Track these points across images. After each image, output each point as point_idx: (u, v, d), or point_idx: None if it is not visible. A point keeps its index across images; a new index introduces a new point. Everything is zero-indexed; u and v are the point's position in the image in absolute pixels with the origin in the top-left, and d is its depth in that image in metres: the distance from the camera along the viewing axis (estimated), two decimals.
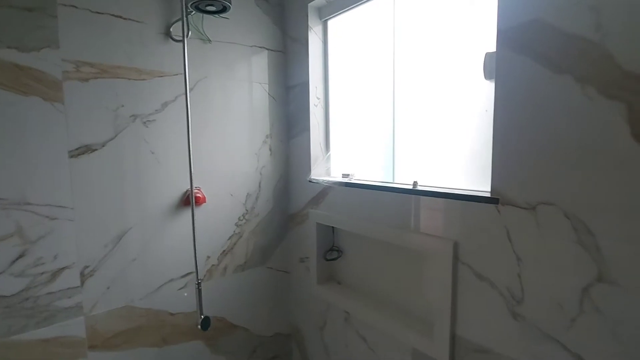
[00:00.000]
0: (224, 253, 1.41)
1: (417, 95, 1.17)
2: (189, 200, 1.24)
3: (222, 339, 1.43)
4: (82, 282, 1.10)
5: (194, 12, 1.19)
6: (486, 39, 0.92)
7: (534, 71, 0.77)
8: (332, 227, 1.41)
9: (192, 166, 1.21)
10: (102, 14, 1.08)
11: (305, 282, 1.53)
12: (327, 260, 1.43)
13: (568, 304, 0.76)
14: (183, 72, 1.17)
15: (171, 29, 1.21)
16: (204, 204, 1.32)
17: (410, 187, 1.07)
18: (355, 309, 1.28)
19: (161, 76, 1.20)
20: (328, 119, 1.46)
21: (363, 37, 1.33)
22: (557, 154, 0.75)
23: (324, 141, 1.47)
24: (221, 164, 1.37)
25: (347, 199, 1.27)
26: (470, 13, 0.99)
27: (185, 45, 1.16)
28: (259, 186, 1.48)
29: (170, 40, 1.21)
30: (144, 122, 1.18)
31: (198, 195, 1.29)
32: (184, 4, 1.14)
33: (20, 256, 1.00)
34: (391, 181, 1.24)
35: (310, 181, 1.43)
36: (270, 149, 1.50)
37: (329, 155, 1.47)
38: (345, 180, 1.29)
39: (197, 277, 1.22)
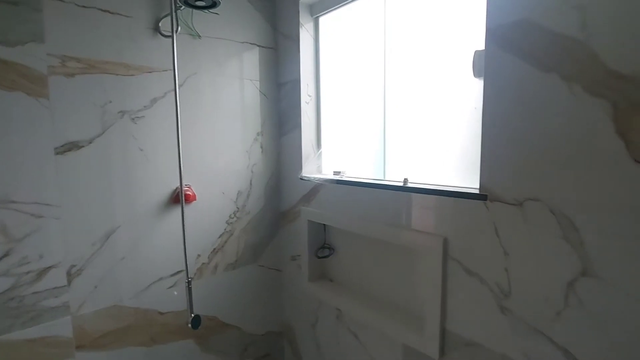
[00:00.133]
0: (215, 251, 1.40)
1: (407, 92, 1.17)
2: (178, 198, 1.23)
3: (213, 337, 1.43)
4: (69, 282, 1.08)
5: (183, 7, 1.17)
6: (476, 37, 0.93)
7: (522, 69, 0.78)
8: (324, 224, 1.41)
9: (181, 163, 1.19)
10: (89, 8, 1.06)
11: (296, 280, 1.53)
12: (319, 257, 1.43)
13: (554, 298, 0.78)
14: (172, 67, 1.15)
15: (160, 24, 1.19)
16: (194, 201, 1.31)
17: (401, 184, 1.08)
18: (346, 306, 1.29)
19: (150, 72, 1.19)
20: (319, 117, 1.46)
21: (354, 34, 1.33)
22: (544, 151, 0.77)
23: (315, 139, 1.47)
24: (212, 161, 1.36)
25: (339, 197, 1.27)
26: (460, 11, 1.00)
27: (175, 40, 1.15)
28: (250, 184, 1.48)
29: (159, 35, 1.19)
30: (133, 119, 1.16)
31: (188, 192, 1.28)
32: (173, 0, 1.12)
33: (5, 255, 0.98)
34: (382, 178, 1.24)
35: (301, 179, 1.43)
36: (261, 147, 1.50)
37: (320, 152, 1.47)
38: (337, 177, 1.29)
39: (187, 276, 1.21)
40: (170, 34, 1.16)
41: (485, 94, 0.85)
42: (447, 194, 0.95)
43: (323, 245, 1.44)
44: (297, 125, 1.44)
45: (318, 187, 1.36)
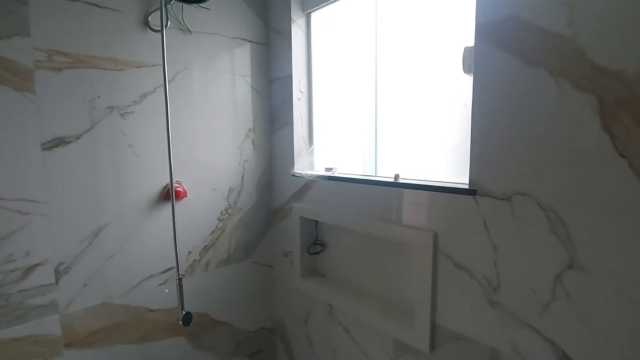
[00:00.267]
0: (206, 248, 1.39)
1: (399, 88, 1.18)
2: (169, 195, 1.22)
3: (205, 334, 1.42)
4: (57, 279, 1.07)
5: (173, 1, 1.16)
6: (466, 33, 0.93)
7: (511, 65, 0.79)
8: (316, 221, 1.41)
9: (172, 160, 1.18)
10: (76, 1, 1.04)
11: (289, 277, 1.53)
12: (311, 254, 1.43)
13: (541, 291, 0.79)
14: (162, 62, 1.14)
15: (149, 19, 1.17)
16: (185, 198, 1.30)
17: (392, 180, 1.08)
18: (338, 301, 1.29)
19: (139, 67, 1.17)
20: (311, 113, 1.46)
21: (346, 31, 1.33)
22: (532, 146, 0.78)
23: (307, 135, 1.47)
24: (203, 157, 1.35)
25: (330, 193, 1.27)
26: (451, 7, 1.01)
27: (164, 35, 1.13)
28: (242, 180, 1.47)
29: (149, 30, 1.18)
30: (122, 114, 1.15)
31: (178, 189, 1.27)
32: None
33: None
34: (373, 174, 1.25)
35: (293, 175, 1.42)
36: (253, 143, 1.49)
37: (312, 149, 1.47)
38: (328, 174, 1.29)
39: (178, 273, 1.20)
40: (159, 28, 1.15)
41: (475, 90, 0.86)
42: (437, 189, 0.96)
43: (315, 241, 1.44)
44: (289, 122, 1.43)
45: (310, 184, 1.36)
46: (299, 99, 1.44)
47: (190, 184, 1.32)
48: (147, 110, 1.19)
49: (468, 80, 0.92)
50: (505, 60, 0.80)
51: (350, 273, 1.33)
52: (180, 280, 1.20)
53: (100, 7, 1.08)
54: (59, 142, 1.05)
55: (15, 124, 0.97)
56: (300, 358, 1.55)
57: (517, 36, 0.78)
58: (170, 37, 1.20)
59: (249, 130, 1.47)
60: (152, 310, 1.27)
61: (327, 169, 1.33)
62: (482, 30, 0.83)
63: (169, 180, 1.20)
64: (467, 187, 0.89)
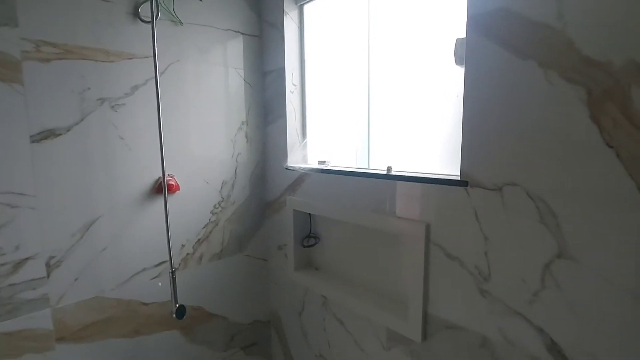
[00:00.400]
0: (200, 241, 1.39)
1: (391, 81, 1.18)
2: (161, 188, 1.21)
3: (198, 328, 1.42)
4: (48, 273, 1.06)
5: None
6: (458, 25, 0.94)
7: (501, 57, 0.80)
8: (309, 214, 1.42)
9: (163, 153, 1.17)
10: None
11: (283, 270, 1.53)
12: (305, 247, 1.44)
13: (531, 280, 0.81)
14: (152, 55, 1.12)
15: (140, 10, 1.16)
16: (178, 191, 1.29)
17: (384, 172, 1.09)
18: (332, 293, 1.30)
19: (130, 58, 1.16)
20: (304, 106, 1.46)
21: (338, 23, 1.32)
22: (522, 137, 0.79)
23: (301, 128, 1.47)
24: (195, 150, 1.34)
25: (324, 186, 1.27)
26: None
27: (155, 26, 1.12)
28: (235, 173, 1.46)
29: (139, 21, 1.16)
30: (113, 106, 1.13)
31: (171, 182, 1.26)
32: None
33: None
34: (366, 167, 1.25)
35: (287, 168, 1.42)
36: (246, 136, 1.48)
37: (306, 142, 1.47)
38: (322, 166, 1.30)
39: (172, 266, 1.20)
40: (150, 19, 1.13)
41: (466, 82, 0.86)
42: (429, 180, 0.97)
43: (309, 234, 1.44)
44: (282, 115, 1.43)
45: (303, 177, 1.36)
46: (292, 92, 1.43)
47: (183, 177, 1.31)
48: (139, 102, 1.18)
49: (460, 72, 0.92)
50: (496, 52, 0.81)
51: (344, 265, 1.34)
52: (173, 273, 1.20)
53: None
54: (48, 134, 1.03)
55: (2, 116, 0.96)
56: (295, 350, 1.56)
57: (507, 28, 0.79)
58: (161, 29, 1.19)
59: (242, 123, 1.47)
60: (145, 304, 1.26)
61: (320, 162, 1.33)
62: (474, 21, 0.84)
63: (161, 174, 1.19)
64: (458, 178, 0.90)
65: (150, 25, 1.13)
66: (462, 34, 0.88)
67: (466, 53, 0.86)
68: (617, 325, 0.71)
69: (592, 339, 0.74)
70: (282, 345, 1.63)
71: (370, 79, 1.24)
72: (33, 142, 1.01)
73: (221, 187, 1.42)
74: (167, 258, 1.22)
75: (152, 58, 1.14)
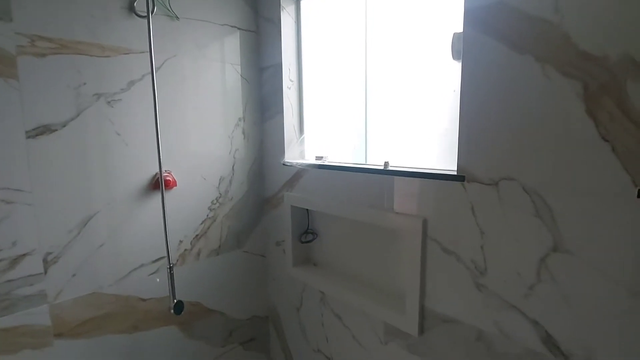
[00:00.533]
0: (197, 237, 1.38)
1: (389, 76, 1.18)
2: (158, 184, 1.21)
3: (197, 323, 1.42)
4: (45, 269, 1.06)
5: None
6: (455, 19, 0.94)
7: (498, 51, 0.80)
8: (307, 209, 1.42)
9: (160, 148, 1.17)
10: None
11: (281, 265, 1.54)
12: (302, 242, 1.44)
13: (526, 274, 0.81)
14: (149, 49, 1.12)
15: (135, 4, 1.15)
16: (175, 187, 1.29)
17: (382, 167, 1.09)
18: (330, 289, 1.31)
19: (127, 53, 1.15)
20: (302, 102, 1.46)
21: (335, 18, 1.32)
22: (519, 131, 0.79)
23: (298, 124, 1.47)
24: (193, 146, 1.34)
25: (321, 181, 1.28)
26: None
27: (151, 21, 1.11)
28: (233, 169, 1.46)
29: (135, 15, 1.15)
30: (109, 102, 1.13)
31: (168, 178, 1.26)
32: None
33: None
34: (364, 162, 1.25)
35: (284, 164, 1.42)
36: (243, 132, 1.48)
37: (303, 137, 1.47)
38: (319, 162, 1.30)
39: (169, 262, 1.20)
40: (145, 14, 1.12)
41: (464, 76, 0.86)
42: (426, 176, 0.97)
43: (307, 230, 1.44)
44: (280, 111, 1.43)
45: (301, 173, 1.36)
46: (289, 88, 1.43)
47: (180, 173, 1.31)
48: (135, 97, 1.18)
49: (457, 67, 0.92)
50: (493, 46, 0.81)
51: (342, 260, 1.34)
52: (171, 269, 1.20)
53: None
54: (44, 129, 1.03)
55: None
56: (293, 345, 1.57)
57: (505, 22, 0.79)
58: (157, 24, 1.18)
59: (239, 119, 1.46)
60: (143, 300, 1.26)
61: (318, 158, 1.33)
62: (471, 15, 0.84)
63: (158, 170, 1.19)
64: (455, 173, 0.91)
65: (146, 20, 1.12)
66: (459, 28, 0.87)
67: (463, 47, 0.86)
68: (612, 319, 0.71)
69: (588, 332, 0.75)
70: (281, 340, 1.63)
71: (368, 74, 1.24)
72: (29, 137, 1.00)
73: (219, 183, 1.42)
74: (165, 254, 1.22)
75: (148, 53, 1.13)
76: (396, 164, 1.11)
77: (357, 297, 1.20)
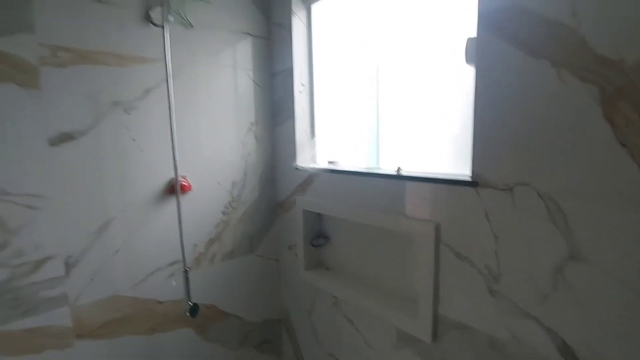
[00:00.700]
0: (212, 241, 1.41)
1: (401, 80, 1.17)
2: (173, 189, 1.24)
3: (212, 326, 1.45)
4: (66, 272, 1.09)
5: None
6: (468, 22, 0.93)
7: (514, 57, 0.79)
8: (319, 213, 1.42)
9: (176, 154, 1.19)
10: None
11: (294, 269, 1.55)
12: (314, 246, 1.45)
13: (541, 280, 0.80)
14: (164, 57, 1.15)
15: (151, 13, 1.17)
16: (189, 192, 1.31)
17: (394, 173, 1.09)
18: (342, 293, 1.31)
19: (142, 62, 1.18)
20: (313, 106, 1.46)
21: (347, 21, 1.32)
22: (534, 136, 0.78)
23: (310, 128, 1.47)
24: (206, 151, 1.36)
25: (333, 186, 1.28)
26: None
27: (166, 30, 1.14)
28: (245, 174, 1.48)
29: (151, 25, 1.18)
30: (126, 109, 1.16)
31: (183, 183, 1.28)
32: None
33: (1, 247, 0.98)
34: (376, 166, 1.25)
35: (296, 168, 1.43)
36: (255, 137, 1.50)
37: (315, 141, 1.47)
38: (331, 167, 1.30)
39: (185, 265, 1.23)
40: (161, 23, 1.15)
41: (478, 82, 0.85)
42: (439, 181, 0.96)
43: (318, 234, 1.45)
44: (291, 115, 1.44)
45: (313, 177, 1.37)
46: (301, 92, 1.44)
47: (195, 178, 1.33)
48: (151, 105, 1.21)
49: (469, 70, 0.92)
50: (508, 51, 0.80)
51: (354, 265, 1.35)
52: (186, 272, 1.23)
53: (102, 2, 1.09)
54: (65, 137, 1.06)
55: (22, 121, 0.99)
56: (306, 348, 1.58)
57: (520, 26, 0.78)
58: (172, 32, 1.21)
59: (252, 124, 1.48)
60: (160, 302, 1.29)
61: (330, 162, 1.34)
62: (485, 19, 0.83)
63: (173, 175, 1.22)
64: (468, 178, 0.90)
65: (161, 29, 1.15)
66: (472, 31, 0.87)
67: (477, 52, 0.85)
68: (630, 327, 0.70)
69: (605, 341, 0.73)
70: (293, 344, 1.64)
71: (379, 78, 1.24)
72: (51, 145, 1.04)
73: (232, 188, 1.44)
74: (180, 257, 1.24)
75: (164, 61, 1.16)
76: (408, 167, 1.11)
77: (369, 301, 1.20)
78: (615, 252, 0.70)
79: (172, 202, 1.27)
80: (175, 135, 1.19)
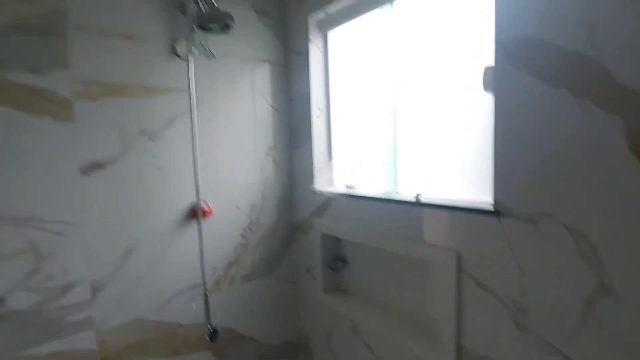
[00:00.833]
0: (231, 264, 1.43)
1: (418, 105, 1.18)
2: (195, 213, 1.27)
3: (230, 349, 1.45)
4: (93, 296, 1.13)
5: (197, 31, 1.21)
6: (485, 48, 0.93)
7: (532, 86, 0.79)
8: (337, 237, 1.42)
9: (198, 179, 1.23)
10: (110, 34, 1.12)
11: (312, 292, 1.54)
12: (332, 270, 1.44)
13: (570, 315, 0.77)
14: (188, 88, 1.20)
15: (177, 47, 1.23)
16: (210, 216, 1.34)
17: (413, 200, 1.08)
18: (361, 317, 1.30)
19: (167, 92, 1.23)
20: (330, 130, 1.48)
21: (363, 47, 1.35)
22: (557, 166, 0.76)
23: (327, 152, 1.49)
24: (226, 176, 1.39)
25: (351, 210, 1.28)
26: (469, 23, 1.01)
27: (190, 62, 1.19)
28: (264, 197, 1.50)
29: (176, 57, 1.24)
30: (152, 138, 1.21)
31: (204, 207, 1.31)
32: (188, 24, 1.17)
33: (33, 271, 1.03)
34: (394, 190, 1.25)
35: (314, 192, 1.44)
36: (273, 161, 1.52)
37: (332, 165, 1.49)
38: (349, 191, 1.31)
39: (205, 289, 1.24)
40: (185, 56, 1.21)
41: (497, 110, 0.85)
42: (460, 209, 0.95)
43: (336, 257, 1.45)
44: (308, 139, 1.46)
45: (331, 201, 1.38)
46: (318, 117, 1.46)
47: (215, 202, 1.36)
48: (175, 133, 1.25)
49: (487, 97, 0.91)
50: (526, 80, 0.80)
51: (373, 289, 1.33)
52: (207, 296, 1.24)
53: (131, 38, 1.15)
54: (96, 166, 1.11)
55: (56, 151, 1.05)
56: None
57: (537, 56, 0.78)
58: (195, 63, 1.26)
59: (270, 148, 1.51)
60: (182, 326, 1.31)
61: (348, 187, 1.34)
62: (502, 49, 0.83)
63: (194, 199, 1.25)
64: (490, 207, 0.89)
65: (185, 61, 1.21)
66: (489, 58, 0.87)
67: (495, 80, 0.85)
68: None
69: None
70: None
71: (397, 102, 1.25)
72: (81, 173, 1.09)
73: (250, 211, 1.47)
74: (200, 281, 1.26)
75: (187, 91, 1.21)
76: (426, 192, 1.10)
77: (389, 328, 1.18)
78: None
79: (193, 227, 1.30)
80: (197, 161, 1.22)
